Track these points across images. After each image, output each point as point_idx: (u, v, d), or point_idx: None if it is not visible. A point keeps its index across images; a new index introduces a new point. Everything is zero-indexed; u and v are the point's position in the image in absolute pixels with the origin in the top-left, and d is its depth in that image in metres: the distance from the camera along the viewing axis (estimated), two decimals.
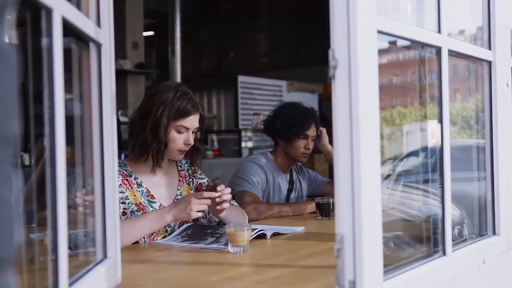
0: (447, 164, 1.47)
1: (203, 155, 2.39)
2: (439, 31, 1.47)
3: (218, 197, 2.01)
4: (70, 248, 1.08)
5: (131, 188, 2.12)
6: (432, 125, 1.76)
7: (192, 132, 2.16)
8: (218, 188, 2.02)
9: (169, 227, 2.16)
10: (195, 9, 8.94)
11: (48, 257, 1.01)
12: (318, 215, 2.58)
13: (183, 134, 2.13)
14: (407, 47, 1.67)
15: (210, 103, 8.43)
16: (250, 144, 7.32)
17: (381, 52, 1.21)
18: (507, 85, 1.79)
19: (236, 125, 7.76)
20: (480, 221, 1.79)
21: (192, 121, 2.15)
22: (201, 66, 9.73)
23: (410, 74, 1.95)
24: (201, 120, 2.19)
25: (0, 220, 0.53)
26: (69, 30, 1.06)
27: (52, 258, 0.97)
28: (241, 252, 1.78)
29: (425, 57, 1.66)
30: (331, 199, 2.56)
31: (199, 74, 9.34)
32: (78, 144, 1.29)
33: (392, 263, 1.28)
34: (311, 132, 2.86)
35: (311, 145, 2.87)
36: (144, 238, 2.07)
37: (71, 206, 1.39)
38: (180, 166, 2.32)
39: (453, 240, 1.48)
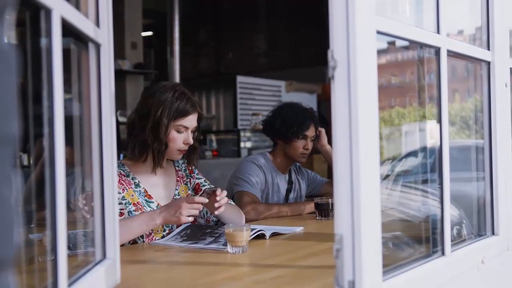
0: (446, 164, 1.47)
1: (200, 154, 2.40)
2: (438, 32, 1.47)
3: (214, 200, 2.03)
4: (69, 248, 1.08)
5: (129, 188, 2.12)
6: (431, 126, 1.76)
7: (191, 132, 2.17)
8: (217, 192, 2.03)
9: (167, 226, 2.17)
10: (194, 9, 8.95)
11: (47, 258, 1.01)
12: (317, 215, 2.58)
13: (182, 133, 2.15)
14: (406, 48, 1.67)
15: (209, 104, 8.43)
16: (249, 144, 7.32)
17: (380, 52, 1.21)
18: (506, 86, 1.79)
19: (235, 125, 7.76)
20: (479, 221, 1.79)
21: (191, 120, 2.17)
22: (200, 66, 9.74)
23: (409, 75, 1.96)
24: (198, 119, 2.20)
25: (0, 221, 0.53)
26: (68, 30, 1.06)
27: (51, 259, 0.97)
28: (240, 252, 1.78)
29: (423, 58, 1.66)
30: (330, 199, 2.56)
31: (198, 74, 9.35)
32: (77, 144, 1.28)
33: (391, 263, 1.28)
34: (310, 132, 2.86)
35: (310, 145, 2.87)
36: (143, 238, 2.07)
37: (73, 210, 1.39)
38: (178, 166, 2.33)
39: (452, 240, 1.49)
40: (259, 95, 7.95)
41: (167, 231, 2.14)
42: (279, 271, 1.59)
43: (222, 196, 2.05)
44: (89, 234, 1.37)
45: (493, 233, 1.74)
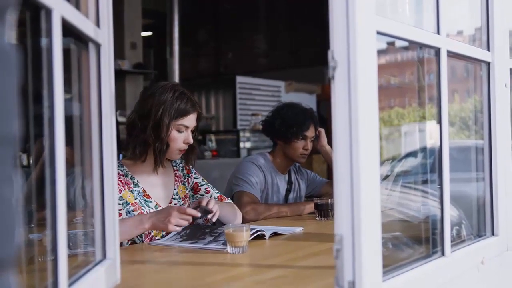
0: (446, 165, 1.47)
1: (199, 154, 2.41)
2: (438, 32, 1.47)
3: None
4: (68, 247, 1.08)
5: (127, 188, 2.12)
6: (431, 126, 1.76)
7: (191, 131, 2.19)
8: (210, 206, 2.03)
9: None
10: (193, 9, 8.95)
11: (47, 258, 1.01)
12: (317, 215, 2.58)
13: (183, 133, 2.16)
14: (405, 48, 1.67)
15: (209, 104, 8.43)
16: (248, 145, 7.31)
17: (379, 52, 1.21)
18: (505, 86, 1.80)
19: (234, 126, 7.75)
20: (479, 221, 1.80)
21: (192, 120, 2.19)
22: (200, 67, 9.74)
23: (408, 75, 1.96)
24: (198, 119, 2.22)
25: (1, 221, 0.53)
26: (69, 30, 1.06)
27: (51, 259, 0.97)
28: (240, 252, 1.78)
29: (423, 58, 1.67)
30: (329, 200, 2.56)
31: (198, 75, 9.35)
32: (77, 144, 1.28)
33: (391, 264, 1.28)
34: (310, 133, 2.86)
35: (309, 145, 2.87)
36: (142, 238, 2.07)
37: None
38: (175, 166, 2.34)
39: (451, 241, 1.49)
40: (259, 95, 7.94)
41: None
42: (279, 272, 1.59)
43: (215, 208, 2.05)
44: (89, 233, 1.37)
45: (492, 234, 1.75)
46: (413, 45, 1.53)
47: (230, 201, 2.45)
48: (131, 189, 2.14)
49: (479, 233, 1.76)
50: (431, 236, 1.55)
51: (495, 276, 1.74)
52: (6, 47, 0.55)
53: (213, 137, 7.37)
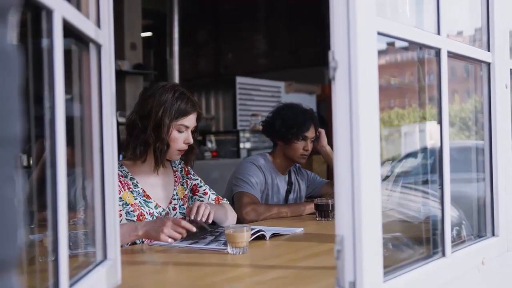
0: (446, 165, 1.47)
1: (198, 155, 2.41)
2: (439, 33, 1.47)
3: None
4: (69, 248, 1.08)
5: (126, 189, 2.13)
6: (431, 126, 1.76)
7: (191, 131, 2.19)
8: (200, 212, 2.05)
9: None
10: (193, 10, 8.95)
11: (48, 258, 1.01)
12: (317, 216, 2.58)
13: (183, 133, 2.17)
14: (405, 48, 1.67)
15: (208, 104, 8.42)
16: (248, 145, 7.31)
17: (379, 53, 1.21)
18: (506, 87, 1.80)
19: (234, 126, 7.75)
20: (479, 222, 1.80)
21: (192, 120, 2.19)
22: (199, 67, 9.74)
23: (408, 75, 1.96)
24: (197, 119, 2.22)
25: (3, 222, 0.53)
26: (69, 31, 1.06)
27: (52, 259, 0.97)
28: (240, 253, 1.78)
29: (423, 58, 1.67)
30: (330, 200, 2.56)
31: (197, 75, 9.34)
32: (78, 144, 1.28)
33: (392, 264, 1.28)
34: (310, 133, 2.86)
35: (310, 146, 2.87)
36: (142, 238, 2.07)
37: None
38: (175, 167, 2.35)
39: (451, 241, 1.49)
40: (259, 95, 7.94)
41: None
42: (280, 272, 1.59)
43: (206, 214, 2.07)
44: (90, 234, 1.37)
45: (493, 234, 1.75)
46: (413, 45, 1.54)
47: (226, 201, 2.46)
48: (131, 189, 2.14)
49: (480, 234, 1.77)
50: (431, 236, 1.55)
51: (496, 276, 1.74)
52: (8, 48, 0.55)
53: (213, 138, 7.36)
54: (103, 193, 1.30)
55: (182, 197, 2.32)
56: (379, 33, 1.19)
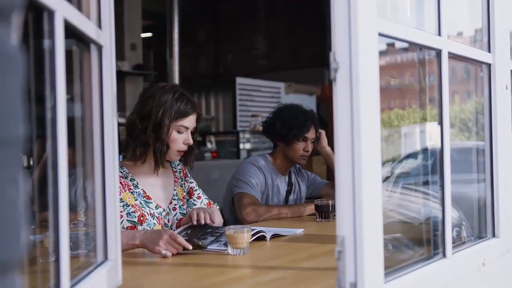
0: (447, 166, 1.47)
1: (197, 155, 2.41)
2: (439, 34, 1.47)
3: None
4: (70, 248, 1.08)
5: (127, 190, 2.13)
6: (431, 127, 1.76)
7: (191, 132, 2.19)
8: (202, 221, 2.06)
9: (166, 226, 2.18)
10: (193, 10, 8.95)
11: (49, 259, 1.01)
12: (317, 217, 2.58)
13: (183, 134, 2.17)
14: (405, 49, 1.67)
15: (208, 105, 8.42)
16: (248, 146, 7.30)
17: (379, 53, 1.21)
18: (506, 88, 1.80)
19: (234, 127, 7.74)
20: (480, 223, 1.80)
21: (192, 121, 2.20)
22: (199, 68, 9.74)
23: (408, 76, 1.96)
24: (197, 120, 2.22)
25: (7, 223, 0.53)
26: (71, 31, 1.06)
27: (53, 260, 0.97)
28: (241, 254, 1.78)
29: (423, 59, 1.67)
30: (330, 201, 2.56)
31: (197, 76, 9.34)
32: (79, 145, 1.28)
33: (393, 265, 1.28)
34: (311, 134, 2.86)
35: (310, 147, 2.87)
36: None
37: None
38: (174, 168, 2.35)
39: (452, 242, 1.49)
40: (259, 96, 7.93)
41: None
42: (280, 273, 1.59)
43: (207, 217, 2.09)
44: (90, 235, 1.37)
45: (493, 235, 1.75)
46: (413, 46, 1.54)
47: (217, 206, 2.47)
48: (131, 190, 2.14)
49: (480, 235, 1.77)
50: (432, 237, 1.55)
51: (496, 277, 1.74)
52: (11, 49, 0.55)
53: (213, 138, 7.36)
54: (104, 194, 1.30)
55: (182, 198, 2.32)
56: (380, 34, 1.19)
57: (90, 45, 1.26)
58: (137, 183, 2.18)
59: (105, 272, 1.24)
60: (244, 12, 9.29)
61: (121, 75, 6.84)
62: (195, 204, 2.35)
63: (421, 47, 1.54)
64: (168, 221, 2.22)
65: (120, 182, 2.11)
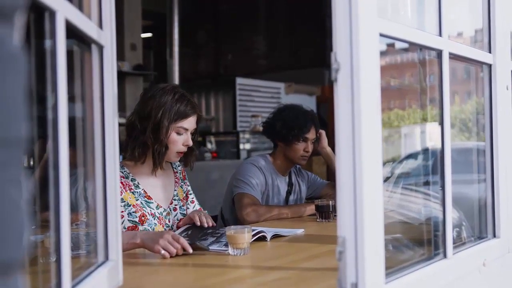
0: (448, 167, 1.47)
1: (198, 156, 2.41)
2: (440, 34, 1.47)
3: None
4: (70, 249, 1.08)
5: (128, 190, 2.13)
6: (431, 128, 1.76)
7: (191, 133, 2.19)
8: (205, 225, 2.07)
9: (167, 226, 2.18)
10: (193, 10, 8.95)
11: (50, 259, 1.01)
12: (318, 217, 2.58)
13: (182, 135, 2.17)
14: (405, 49, 1.67)
15: (208, 105, 8.42)
16: (248, 146, 7.30)
17: (380, 54, 1.21)
18: (507, 88, 1.80)
19: (234, 127, 7.74)
20: (480, 223, 1.80)
21: (191, 122, 2.19)
22: (199, 68, 9.73)
23: (408, 77, 1.96)
24: (197, 121, 2.22)
25: (9, 223, 0.53)
26: (72, 32, 1.06)
27: (54, 260, 0.97)
28: (241, 254, 1.78)
29: (423, 60, 1.67)
30: (330, 201, 2.57)
31: (197, 76, 9.34)
32: (80, 145, 1.28)
33: (394, 266, 1.28)
34: (311, 135, 2.86)
35: (310, 147, 2.87)
36: None
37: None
38: (175, 168, 2.35)
39: (453, 243, 1.49)
40: (259, 96, 7.93)
41: None
42: (281, 273, 1.59)
43: (208, 220, 2.11)
44: (91, 235, 1.37)
45: (494, 236, 1.75)
46: (413, 46, 1.54)
47: (205, 212, 2.46)
48: (132, 190, 2.15)
49: (481, 235, 1.77)
50: (432, 238, 1.55)
51: (497, 278, 1.74)
52: (14, 50, 0.55)
53: (212, 139, 7.36)
54: (105, 194, 1.30)
55: (182, 199, 2.32)
56: (381, 35, 1.19)
57: (91, 45, 1.26)
58: (138, 183, 2.18)
59: (106, 273, 1.24)
60: (244, 12, 9.29)
61: (121, 75, 6.84)
62: (188, 208, 2.35)
63: (422, 48, 1.54)
64: (169, 221, 2.22)
65: (121, 182, 2.11)
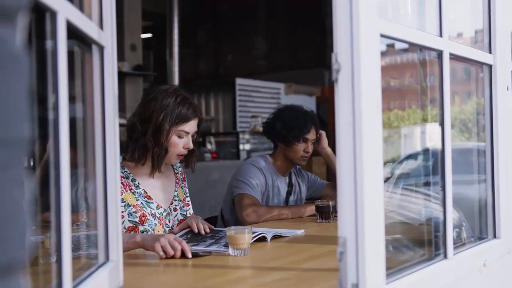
0: (448, 167, 1.47)
1: (198, 157, 2.41)
2: (441, 35, 1.47)
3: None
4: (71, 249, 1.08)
5: (128, 190, 2.13)
6: (431, 128, 1.76)
7: (191, 136, 2.19)
8: (202, 232, 2.08)
9: (167, 226, 2.18)
10: (193, 11, 8.95)
11: (50, 259, 1.01)
12: (318, 217, 2.58)
13: (183, 138, 2.16)
14: (404, 50, 1.67)
15: (208, 106, 8.42)
16: (248, 147, 7.31)
17: (380, 54, 1.21)
18: (507, 89, 1.80)
19: (234, 128, 7.75)
20: (481, 224, 1.80)
21: (192, 126, 2.18)
22: (199, 68, 9.73)
23: (408, 77, 1.96)
24: (199, 124, 2.22)
25: (12, 224, 0.53)
26: (73, 32, 1.06)
27: (54, 261, 0.97)
28: (242, 255, 1.78)
29: (423, 60, 1.67)
30: (330, 202, 2.56)
31: (197, 76, 9.34)
32: (80, 146, 1.28)
33: (394, 266, 1.28)
34: (311, 135, 2.86)
35: (310, 148, 2.87)
36: None
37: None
38: (176, 169, 2.35)
39: (453, 243, 1.49)
40: (258, 97, 7.93)
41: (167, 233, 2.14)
42: (281, 274, 1.59)
43: (205, 227, 2.12)
44: (92, 236, 1.37)
45: (494, 236, 1.75)
46: (412, 47, 1.54)
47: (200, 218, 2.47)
48: (132, 190, 2.15)
49: (481, 236, 1.77)
50: (433, 238, 1.55)
51: (497, 278, 1.74)
52: (17, 51, 0.55)
53: (212, 139, 7.36)
54: (106, 195, 1.30)
55: (182, 199, 2.32)
56: (381, 35, 1.19)
57: (92, 46, 1.26)
58: (138, 183, 2.18)
59: (107, 273, 1.24)
60: (244, 12, 9.29)
61: (121, 76, 6.84)
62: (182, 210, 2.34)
63: (423, 48, 1.54)
64: (169, 222, 2.22)
65: (122, 183, 2.11)
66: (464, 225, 1.76)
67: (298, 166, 3.05)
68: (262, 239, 2.04)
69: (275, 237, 2.11)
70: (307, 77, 8.03)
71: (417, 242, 1.64)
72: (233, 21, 9.42)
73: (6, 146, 0.53)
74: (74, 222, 1.34)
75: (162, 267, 1.75)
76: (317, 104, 7.52)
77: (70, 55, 1.08)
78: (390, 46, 1.43)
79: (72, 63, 1.20)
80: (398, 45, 1.49)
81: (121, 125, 2.43)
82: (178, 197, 2.29)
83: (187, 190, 2.39)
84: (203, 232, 2.06)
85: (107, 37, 1.31)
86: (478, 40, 1.88)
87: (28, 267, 1.12)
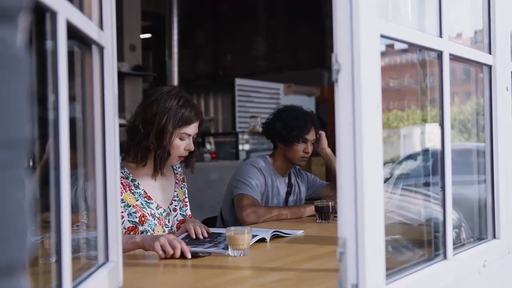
0: (448, 168, 1.47)
1: (197, 158, 2.41)
2: (441, 35, 1.47)
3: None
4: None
5: (128, 190, 2.13)
6: (431, 128, 1.76)
7: (192, 138, 2.19)
8: (200, 236, 2.06)
9: (166, 227, 2.18)
10: (192, 11, 8.95)
11: (49, 260, 1.01)
12: (318, 218, 2.58)
13: (185, 140, 2.16)
14: (404, 50, 1.67)
15: (207, 106, 8.43)
16: (247, 147, 7.31)
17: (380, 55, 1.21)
18: (507, 89, 1.80)
19: (233, 128, 7.75)
20: (480, 224, 1.80)
21: (194, 128, 2.19)
22: (198, 69, 9.74)
23: (407, 77, 1.96)
24: (200, 125, 2.22)
25: (13, 224, 0.53)
26: (73, 32, 1.06)
27: (54, 261, 0.97)
28: (241, 255, 1.78)
29: (422, 60, 1.67)
30: (330, 202, 2.56)
31: (196, 77, 9.34)
32: (80, 146, 1.28)
33: (394, 267, 1.28)
34: (311, 136, 2.86)
35: (310, 149, 2.87)
36: None
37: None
38: (175, 170, 2.35)
39: (453, 244, 1.49)
40: (258, 97, 7.93)
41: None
42: (281, 274, 1.59)
43: (203, 231, 2.09)
44: (91, 236, 1.37)
45: (494, 237, 1.75)
46: (412, 47, 1.54)
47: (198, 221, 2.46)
48: (132, 191, 2.14)
49: (481, 236, 1.77)
50: (433, 239, 1.55)
51: (497, 279, 1.74)
52: (18, 51, 0.55)
53: (212, 139, 7.36)
54: (105, 195, 1.30)
55: (182, 200, 2.32)
56: (381, 36, 1.19)
57: (92, 46, 1.26)
58: (138, 183, 2.18)
59: (106, 274, 1.24)
60: (244, 13, 9.29)
61: (120, 76, 6.83)
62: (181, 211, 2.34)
63: (422, 49, 1.54)
64: (169, 222, 2.22)
65: (121, 183, 2.11)
66: (463, 226, 1.76)
67: (297, 167, 3.05)
68: (262, 239, 2.04)
69: (275, 237, 2.11)
70: (307, 78, 8.03)
71: (417, 242, 1.64)
72: (233, 21, 9.42)
73: (7, 147, 0.53)
74: (74, 222, 1.34)
75: (162, 267, 1.75)
76: (317, 104, 7.52)
77: (70, 55, 1.08)
78: (390, 46, 1.43)
79: (72, 63, 1.20)
80: (398, 46, 1.49)
81: (120, 125, 2.43)
82: (177, 197, 2.30)
83: (186, 191, 2.39)
84: (201, 237, 2.05)
85: (107, 37, 1.31)
86: (478, 41, 1.88)
87: (29, 267, 1.12)
